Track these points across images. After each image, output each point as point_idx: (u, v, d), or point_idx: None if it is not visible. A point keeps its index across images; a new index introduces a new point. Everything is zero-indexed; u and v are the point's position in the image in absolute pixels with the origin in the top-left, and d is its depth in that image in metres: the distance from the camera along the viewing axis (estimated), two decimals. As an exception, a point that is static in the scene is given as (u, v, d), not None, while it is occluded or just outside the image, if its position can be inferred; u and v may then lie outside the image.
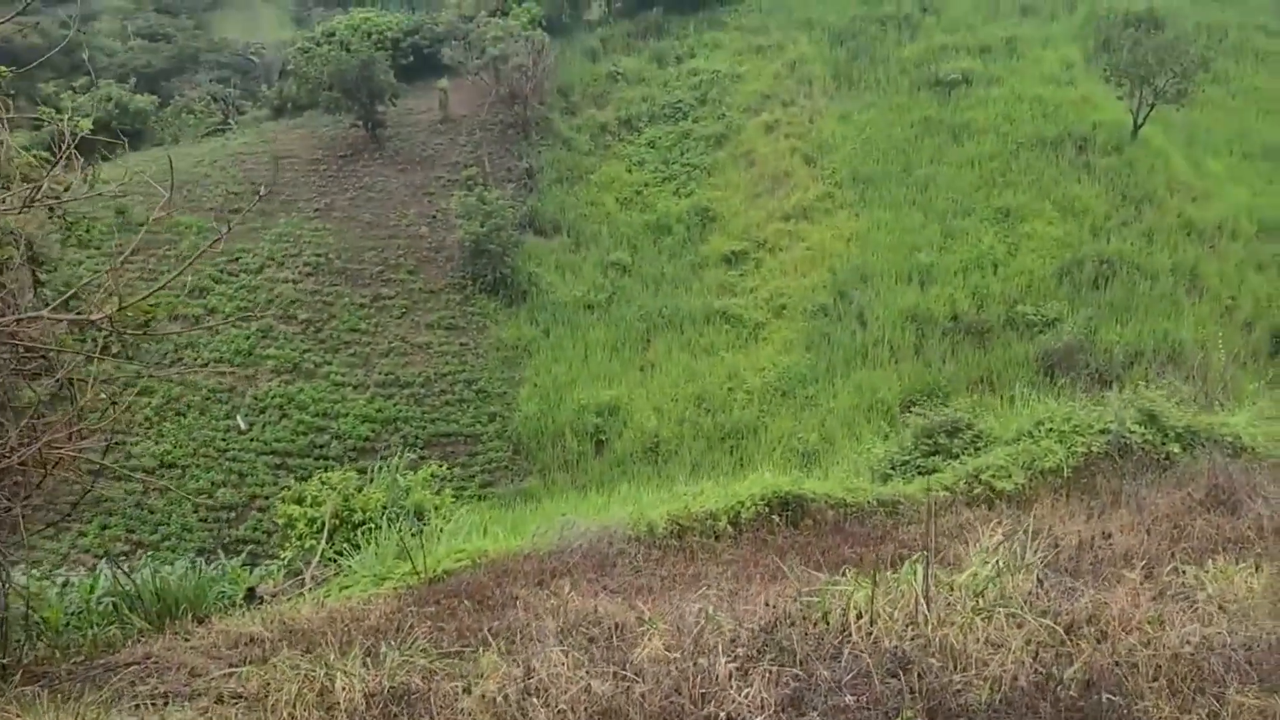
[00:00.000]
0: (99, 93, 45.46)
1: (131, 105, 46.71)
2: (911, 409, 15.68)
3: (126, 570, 9.16)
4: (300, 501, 13.46)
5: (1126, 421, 12.10)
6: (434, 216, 39.39)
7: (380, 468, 14.34)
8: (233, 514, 30.15)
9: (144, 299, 5.94)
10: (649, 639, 5.35)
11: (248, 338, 34.87)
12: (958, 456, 13.21)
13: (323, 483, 14.94)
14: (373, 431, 32.81)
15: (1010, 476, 11.85)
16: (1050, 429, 12.54)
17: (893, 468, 14.06)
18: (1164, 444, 11.82)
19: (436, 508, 13.90)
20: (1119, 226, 35.84)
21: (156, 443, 31.41)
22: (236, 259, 37.42)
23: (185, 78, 57.40)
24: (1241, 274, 33.80)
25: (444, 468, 18.18)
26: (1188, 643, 4.88)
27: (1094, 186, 37.60)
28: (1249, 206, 37.12)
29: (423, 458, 31.36)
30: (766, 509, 11.87)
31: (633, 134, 45.58)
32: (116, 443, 30.59)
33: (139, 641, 7.27)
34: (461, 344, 35.66)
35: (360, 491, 13.59)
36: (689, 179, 42.69)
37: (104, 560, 18.27)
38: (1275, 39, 50.71)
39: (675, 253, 39.29)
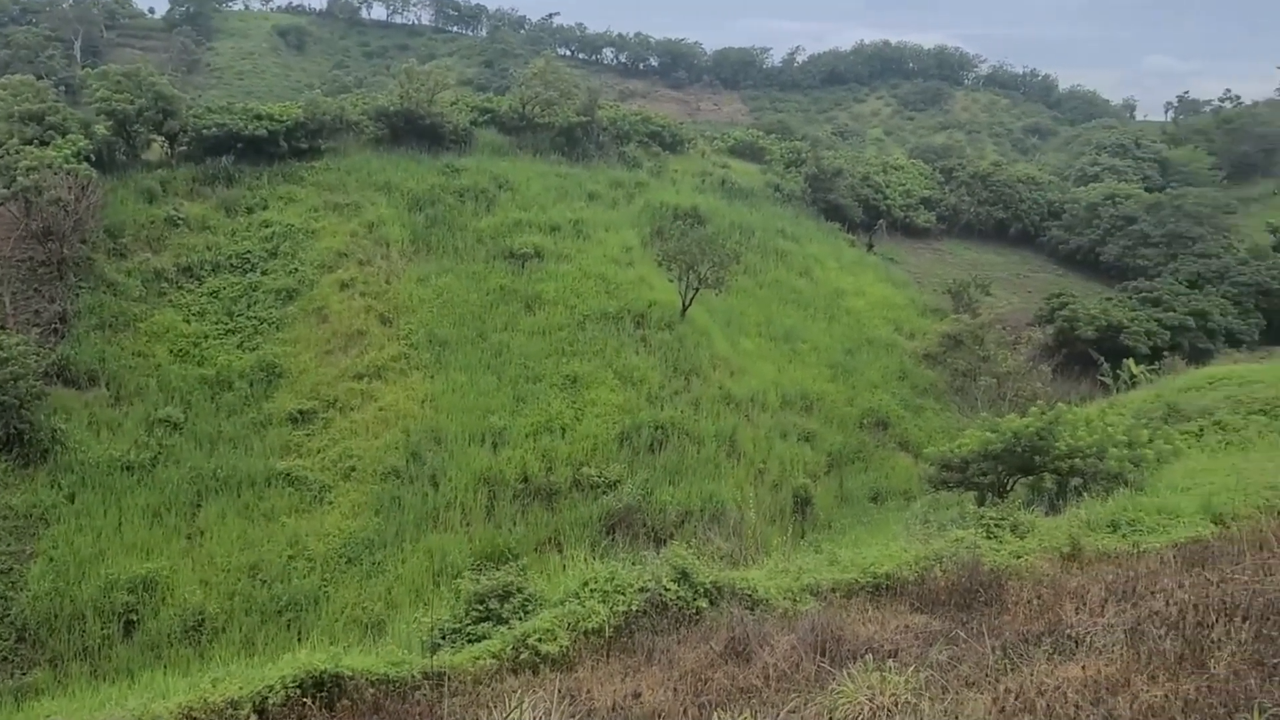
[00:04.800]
0: None
1: None
2: (463, 575, 15.25)
3: None
4: None
5: (663, 579, 12.59)
6: (-70, 361, 33.23)
7: None
8: None
9: None
10: None
11: None
12: (507, 621, 12.95)
13: None
14: None
15: (556, 639, 11.74)
16: (594, 589, 12.71)
17: (444, 637, 13.45)
18: (694, 599, 12.41)
19: None
20: (671, 395, 39.15)
21: None
22: None
23: None
24: (770, 441, 38.20)
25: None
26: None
27: (650, 359, 40.98)
28: (775, 382, 42.56)
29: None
30: (299, 692, 10.73)
31: (193, 283, 42.40)
32: None
33: None
34: (-45, 513, 29.78)
35: None
36: (255, 333, 40.32)
37: None
38: (790, 241, 60.06)
39: (236, 410, 36.46)
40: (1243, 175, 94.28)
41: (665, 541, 25.42)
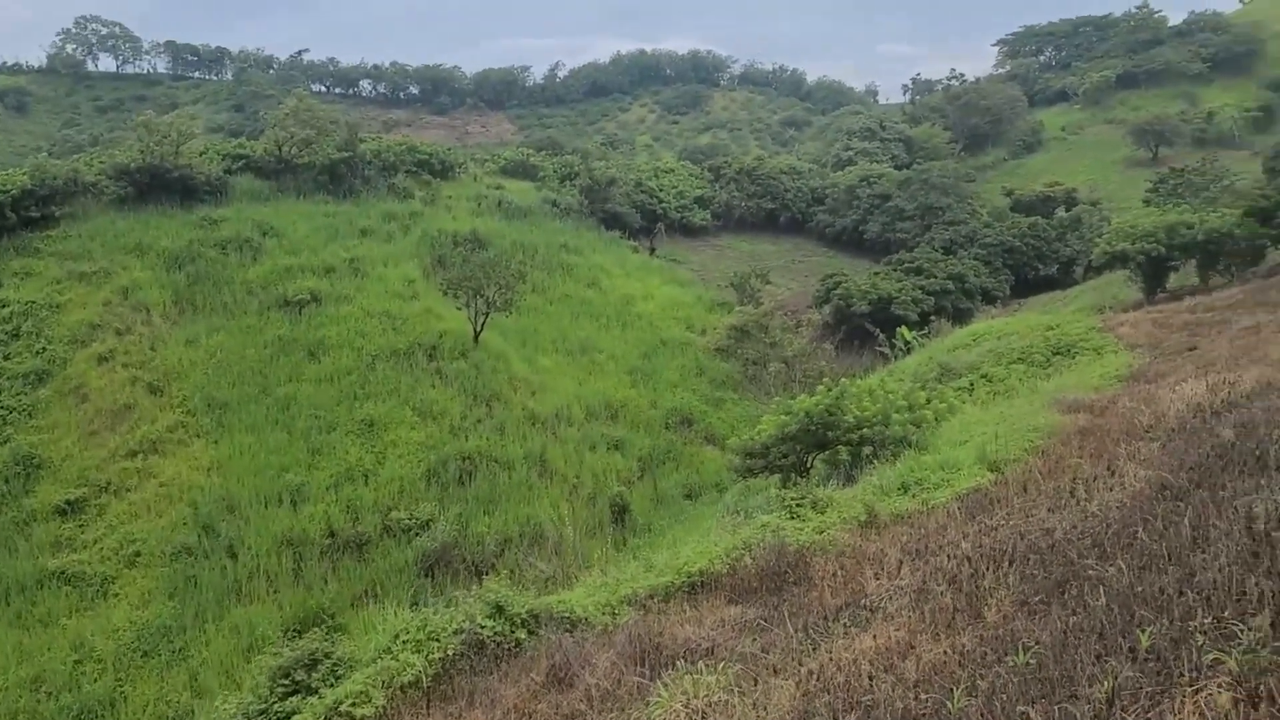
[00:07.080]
0: None
1: None
2: (267, 648, 14.25)
3: None
4: None
5: (477, 618, 12.17)
6: None
7: None
8: None
9: None
10: None
11: None
12: (317, 691, 12.17)
13: None
14: None
15: (370, 701, 11.12)
16: (407, 640, 12.14)
17: (249, 721, 12.51)
18: (512, 632, 12.05)
19: None
20: (474, 424, 38.41)
21: None
22: None
23: None
24: (580, 454, 38.13)
25: None
26: None
27: (448, 390, 40.07)
28: (577, 395, 42.57)
29: None
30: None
31: (-80, 377, 38.09)
32: None
33: None
34: None
35: None
36: (4, 424, 36.55)
37: None
38: (574, 255, 60.45)
39: (-8, 512, 32.93)
40: (976, 146, 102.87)
41: (487, 573, 24.82)
